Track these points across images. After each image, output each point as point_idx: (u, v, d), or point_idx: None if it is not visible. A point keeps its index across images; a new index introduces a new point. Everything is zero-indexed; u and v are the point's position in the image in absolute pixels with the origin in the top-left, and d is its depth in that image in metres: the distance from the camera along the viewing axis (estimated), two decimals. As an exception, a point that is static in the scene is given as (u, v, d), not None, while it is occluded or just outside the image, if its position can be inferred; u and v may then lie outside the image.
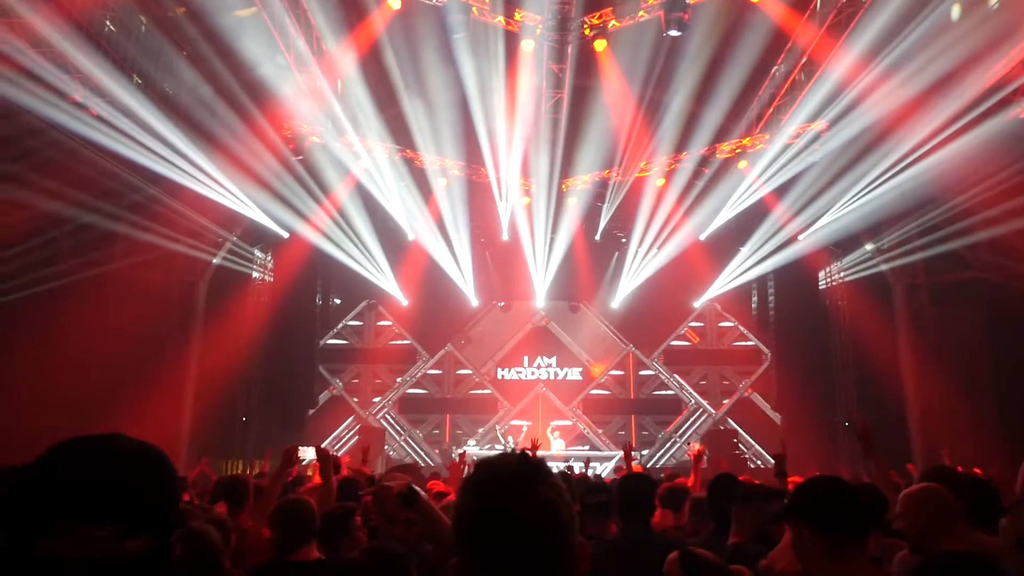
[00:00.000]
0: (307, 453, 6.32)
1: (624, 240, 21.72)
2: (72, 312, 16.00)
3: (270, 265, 20.82)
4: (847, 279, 19.89)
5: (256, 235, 19.41)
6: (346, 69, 14.99)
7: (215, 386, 17.73)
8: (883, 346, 18.34)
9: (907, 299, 18.58)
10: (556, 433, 21.09)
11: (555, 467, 9.21)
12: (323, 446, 5.13)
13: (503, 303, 23.18)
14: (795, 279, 20.80)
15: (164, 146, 14.44)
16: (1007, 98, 13.43)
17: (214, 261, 18.62)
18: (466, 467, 9.49)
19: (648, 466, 21.91)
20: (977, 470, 9.37)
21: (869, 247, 18.80)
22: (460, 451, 10.81)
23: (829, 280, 20.81)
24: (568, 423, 22.72)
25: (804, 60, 14.59)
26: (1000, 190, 14.45)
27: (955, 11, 12.67)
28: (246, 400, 19.70)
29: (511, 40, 14.44)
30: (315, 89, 15.10)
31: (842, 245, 19.40)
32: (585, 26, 14.01)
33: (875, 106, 14.29)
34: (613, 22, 13.86)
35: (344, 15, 13.99)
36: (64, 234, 15.89)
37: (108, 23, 13.66)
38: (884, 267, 18.55)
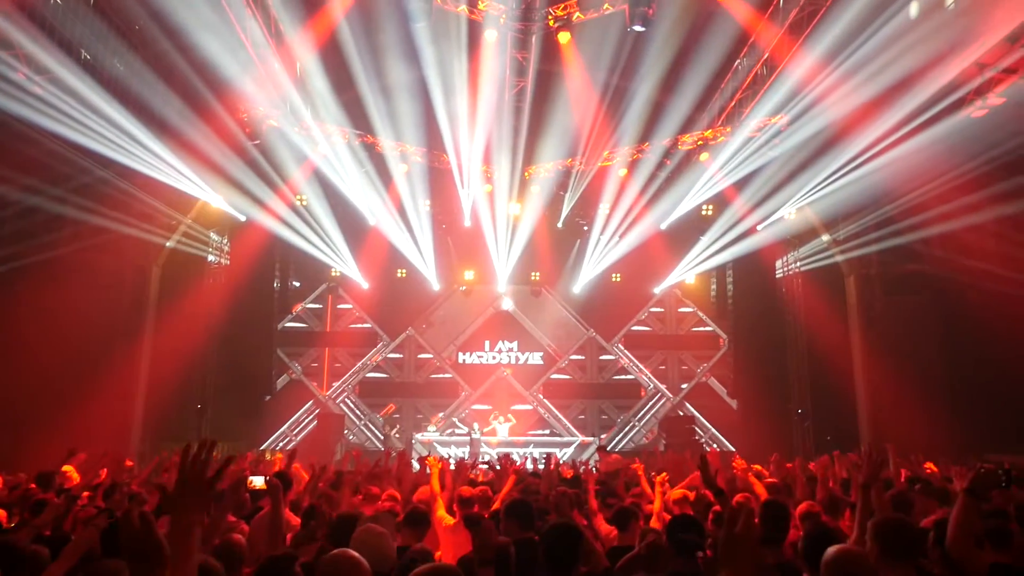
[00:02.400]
0: (257, 480, 6.18)
1: (586, 227, 21.77)
2: (19, 297, 15.51)
3: (227, 248, 20.40)
4: (803, 269, 20.25)
5: (212, 218, 18.98)
6: (304, 54, 14.62)
7: (170, 371, 17.42)
8: (836, 334, 18.81)
9: (860, 289, 19.01)
10: (501, 419, 21.21)
11: (492, 454, 9.16)
12: (272, 478, 5.02)
13: (464, 287, 23.09)
14: (753, 267, 21.12)
15: (113, 128, 13.96)
16: (962, 99, 13.67)
17: (168, 244, 18.20)
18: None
19: (608, 449, 22.17)
20: (930, 466, 9.61)
21: (825, 238, 19.13)
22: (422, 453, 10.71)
23: (786, 269, 21.16)
24: (529, 407, 22.85)
25: (766, 56, 14.65)
26: (953, 187, 14.80)
27: (913, 9, 12.81)
28: (202, 385, 19.38)
29: (474, 29, 14.23)
30: (272, 73, 14.72)
31: (799, 236, 19.71)
32: (549, 17, 13.86)
33: (834, 103, 14.45)
34: (577, 14, 13.73)
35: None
36: (8, 217, 15.33)
37: (53, -3, 13.08)
38: (839, 258, 18.94)
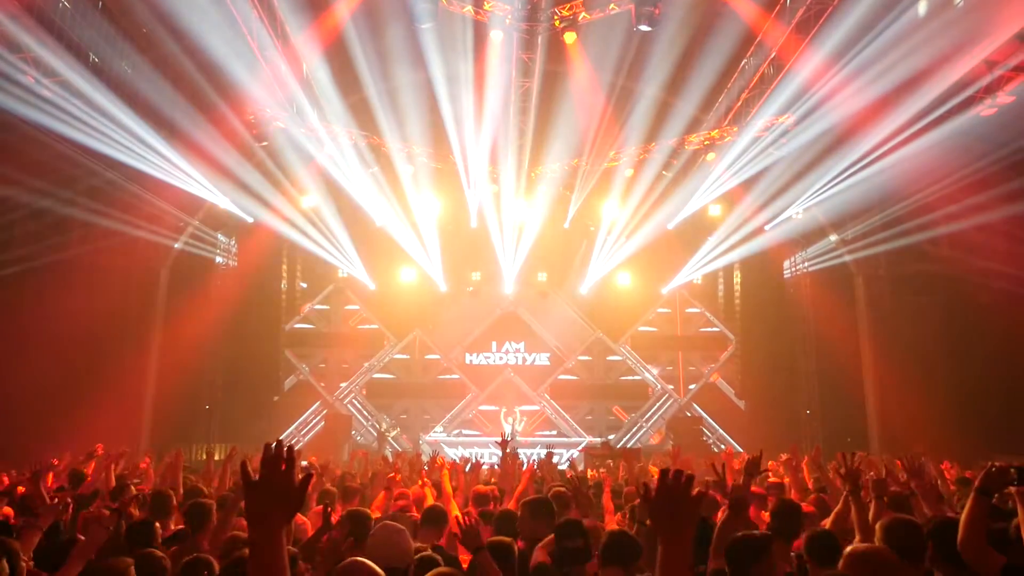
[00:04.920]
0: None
1: (593, 228, 21.74)
2: (29, 299, 15.63)
3: (234, 250, 20.47)
4: (811, 269, 20.18)
5: (219, 220, 19.07)
6: (311, 55, 14.67)
7: (178, 372, 17.51)
8: (844, 334, 18.74)
9: (868, 289, 18.93)
10: (511, 419, 21.19)
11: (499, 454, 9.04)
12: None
13: (471, 288, 23.09)
14: (761, 267, 21.06)
15: (121, 130, 14.04)
16: (971, 97, 13.60)
17: (176, 246, 18.28)
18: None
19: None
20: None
21: (833, 238, 19.06)
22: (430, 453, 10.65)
23: (794, 269, 21.08)
24: (535, 408, 22.82)
25: (773, 55, 14.61)
26: (962, 186, 14.73)
27: (921, 6, 12.75)
28: (210, 386, 19.46)
29: (480, 29, 14.26)
30: (279, 75, 14.76)
31: (807, 236, 19.65)
32: (555, 17, 13.86)
33: (842, 102, 14.40)
34: (583, 14, 13.73)
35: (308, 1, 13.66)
36: (17, 220, 15.44)
37: (63, 0, 13.16)
38: (847, 258, 18.87)
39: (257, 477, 2.02)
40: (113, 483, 7.08)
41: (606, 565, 3.61)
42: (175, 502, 5.63)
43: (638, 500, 4.93)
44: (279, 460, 2.01)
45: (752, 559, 3.14)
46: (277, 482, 1.99)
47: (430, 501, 5.76)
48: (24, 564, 3.37)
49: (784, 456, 9.57)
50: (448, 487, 5.98)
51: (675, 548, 2.11)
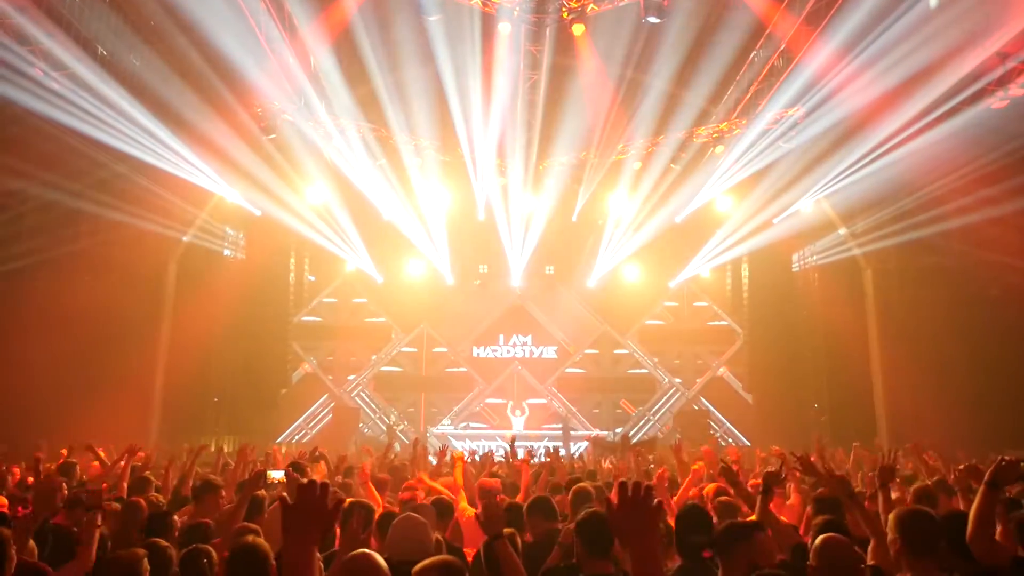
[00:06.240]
0: (275, 474, 6.14)
1: (600, 221, 21.68)
2: (38, 291, 15.73)
3: (242, 243, 20.51)
4: (820, 262, 20.07)
5: (228, 213, 19.11)
6: (318, 48, 14.65)
7: (186, 365, 17.59)
8: (853, 328, 18.64)
9: (877, 283, 18.81)
10: (517, 412, 21.22)
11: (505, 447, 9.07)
12: (291, 470, 5.04)
13: (479, 281, 23.08)
14: (769, 261, 20.97)
15: (130, 123, 14.09)
16: (983, 89, 13.49)
17: (184, 239, 18.32)
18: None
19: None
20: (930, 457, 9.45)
21: (842, 231, 18.95)
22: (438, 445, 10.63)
23: (802, 262, 20.98)
24: (543, 401, 22.84)
25: (783, 47, 14.51)
26: (973, 179, 14.60)
27: (933, -1, 12.63)
28: (219, 379, 19.53)
29: (488, 22, 14.21)
30: (287, 67, 14.75)
31: (816, 229, 19.54)
32: (563, 9, 13.81)
33: (852, 94, 14.29)
34: (592, 6, 13.67)
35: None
36: (27, 212, 15.53)
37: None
38: (856, 251, 18.74)
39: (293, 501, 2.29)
40: (128, 477, 7.08)
41: (589, 552, 3.57)
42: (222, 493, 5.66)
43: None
44: (314, 490, 2.29)
45: (733, 541, 3.17)
46: (312, 507, 2.27)
47: (461, 497, 5.78)
48: (14, 554, 3.38)
49: (775, 448, 9.58)
50: (460, 480, 6.01)
51: (642, 556, 2.17)
